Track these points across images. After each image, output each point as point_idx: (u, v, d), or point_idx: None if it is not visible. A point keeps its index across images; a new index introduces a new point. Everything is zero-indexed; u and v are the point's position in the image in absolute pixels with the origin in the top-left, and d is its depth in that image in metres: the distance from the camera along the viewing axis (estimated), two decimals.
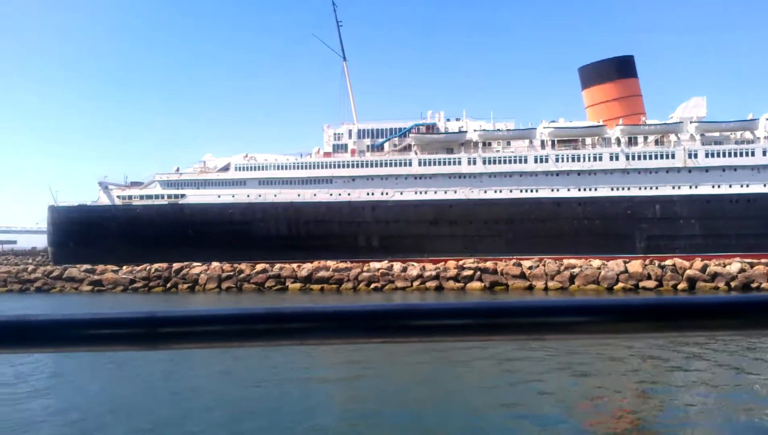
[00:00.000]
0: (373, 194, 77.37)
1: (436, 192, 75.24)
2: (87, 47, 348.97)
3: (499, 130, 77.11)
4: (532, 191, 72.55)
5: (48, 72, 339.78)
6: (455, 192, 74.59)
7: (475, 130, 76.76)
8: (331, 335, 1.05)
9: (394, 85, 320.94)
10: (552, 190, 71.96)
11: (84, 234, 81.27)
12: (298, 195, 79.85)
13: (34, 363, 20.81)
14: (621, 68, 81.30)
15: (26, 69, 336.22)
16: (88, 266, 56.04)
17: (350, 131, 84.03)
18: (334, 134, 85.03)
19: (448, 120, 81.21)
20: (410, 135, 79.46)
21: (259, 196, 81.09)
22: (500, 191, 73.18)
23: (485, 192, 73.62)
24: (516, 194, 72.58)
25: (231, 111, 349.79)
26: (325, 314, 1.04)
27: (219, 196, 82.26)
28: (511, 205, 71.57)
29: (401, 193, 76.35)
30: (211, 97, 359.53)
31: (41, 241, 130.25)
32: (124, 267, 56.11)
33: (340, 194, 78.63)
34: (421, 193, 75.85)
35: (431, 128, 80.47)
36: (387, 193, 76.83)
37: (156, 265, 54.65)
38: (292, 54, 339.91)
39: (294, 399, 16.76)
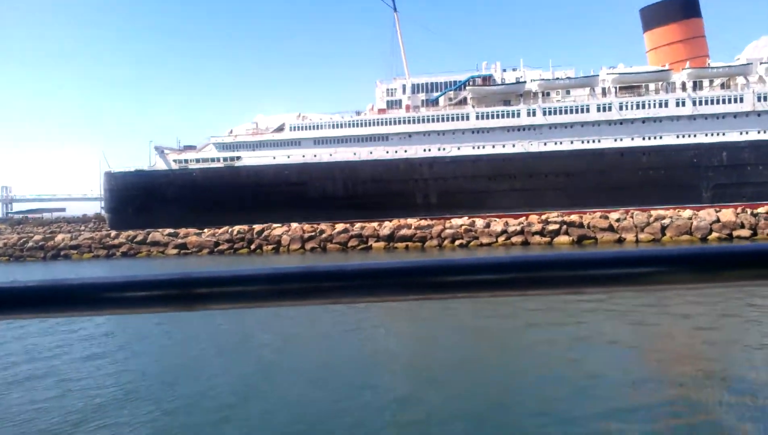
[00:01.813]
0: (429, 150, 78.55)
1: (494, 146, 76.13)
2: (138, 11, 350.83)
3: (558, 78, 77.15)
4: (594, 142, 72.96)
5: (97, 37, 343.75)
6: (514, 145, 75.39)
7: (533, 80, 76.91)
8: (365, 293, 1.09)
9: (447, 37, 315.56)
10: (615, 139, 72.28)
11: (141, 199, 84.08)
12: (354, 153, 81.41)
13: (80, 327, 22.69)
14: (685, 8, 79.89)
15: (76, 36, 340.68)
16: (171, 230, 59.13)
17: (404, 86, 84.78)
18: (387, 90, 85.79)
19: (505, 70, 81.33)
20: (466, 88, 79.95)
21: (314, 155, 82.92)
22: (561, 143, 73.75)
23: (545, 144, 74.27)
24: (577, 145, 73.07)
25: (280, 71, 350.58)
26: (360, 272, 1.08)
27: (274, 157, 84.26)
28: (572, 157, 72.16)
29: (458, 148, 77.39)
30: (259, 58, 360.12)
31: (90, 208, 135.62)
32: (206, 230, 59.00)
33: (396, 151, 79.97)
34: (478, 147, 76.80)
35: (487, 80, 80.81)
36: (444, 149, 77.96)
37: (237, 228, 57.42)
38: (342, 8, 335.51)
39: (345, 356, 17.67)
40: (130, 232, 60.36)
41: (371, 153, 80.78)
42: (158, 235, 57.63)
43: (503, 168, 74.48)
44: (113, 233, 60.18)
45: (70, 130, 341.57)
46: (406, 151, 79.36)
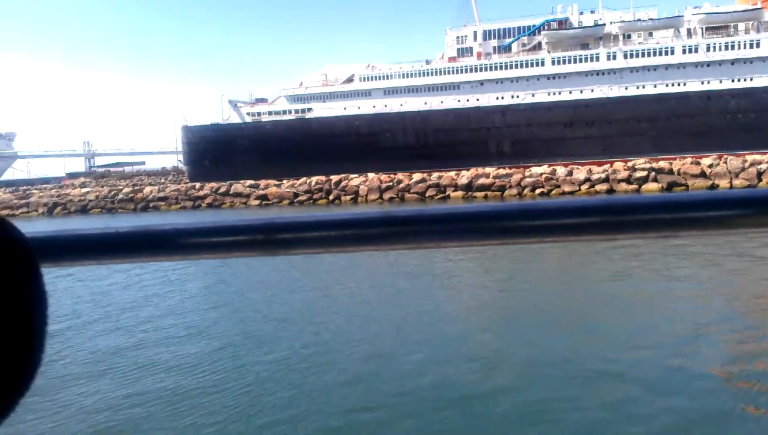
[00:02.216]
0: (502, 98, 76.99)
1: (571, 92, 73.81)
2: None
3: (640, 20, 73.52)
4: (678, 85, 69.64)
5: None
6: (592, 91, 72.88)
7: (613, 23, 73.54)
8: (446, 238, 1.08)
9: None
10: (702, 82, 68.75)
11: (217, 152, 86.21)
12: (425, 103, 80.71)
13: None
14: None
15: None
16: (252, 182, 60.78)
17: (475, 33, 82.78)
18: (458, 37, 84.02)
19: (582, 13, 78.14)
20: (541, 32, 77.30)
21: (385, 106, 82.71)
22: (643, 87, 70.74)
23: (626, 88, 71.43)
24: (661, 89, 69.91)
25: (349, 20, 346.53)
26: (440, 216, 1.07)
27: (345, 108, 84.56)
28: (655, 102, 69.19)
29: (533, 96, 75.50)
30: (327, 8, 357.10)
31: (167, 161, 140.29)
32: (284, 181, 60.32)
33: (468, 100, 78.78)
34: (554, 93, 74.67)
35: (563, 23, 77.86)
36: (517, 97, 76.22)
37: (315, 178, 58.44)
38: None
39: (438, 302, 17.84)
40: (214, 184, 62.34)
41: (442, 102, 79.92)
42: (240, 186, 59.32)
43: (580, 114, 72.30)
44: (197, 185, 62.30)
45: (147, 85, 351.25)
46: (477, 100, 78.08)
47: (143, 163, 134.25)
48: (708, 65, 68.58)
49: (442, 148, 75.72)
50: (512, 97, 76.40)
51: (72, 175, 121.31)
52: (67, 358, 13.61)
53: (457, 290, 19.60)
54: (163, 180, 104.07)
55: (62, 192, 67.32)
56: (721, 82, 67.94)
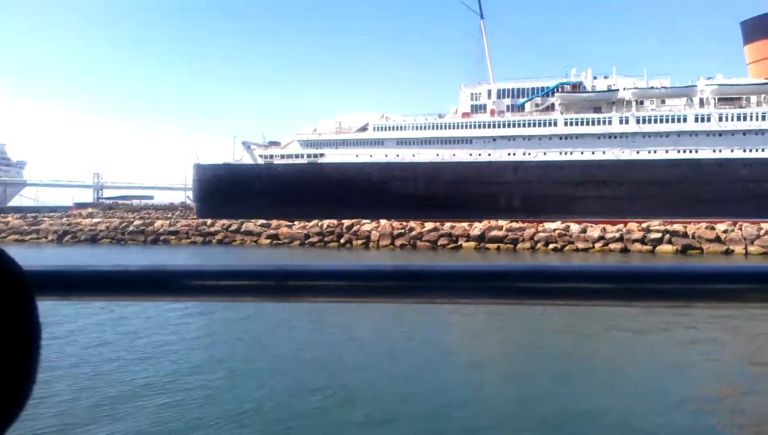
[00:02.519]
0: (514, 155, 77.76)
1: (582, 153, 74.56)
2: (224, 10, 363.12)
3: (653, 87, 74.93)
4: (690, 152, 70.36)
5: (185, 35, 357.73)
6: (604, 153, 73.61)
7: (627, 88, 74.98)
8: (459, 295, 1.07)
9: (533, 44, 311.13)
10: (713, 150, 69.49)
11: (228, 191, 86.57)
12: (437, 155, 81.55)
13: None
14: None
15: (167, 33, 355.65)
16: (263, 221, 60.75)
17: (489, 91, 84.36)
18: (472, 94, 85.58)
19: (596, 78, 79.65)
20: (555, 94, 78.72)
21: (397, 155, 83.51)
22: (655, 152, 71.48)
23: (638, 152, 72.16)
24: (673, 155, 70.62)
25: (364, 71, 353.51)
26: (454, 273, 1.06)
27: (357, 156, 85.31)
28: (667, 166, 69.80)
29: (545, 154, 76.27)
30: (343, 58, 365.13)
31: (175, 197, 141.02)
32: (296, 222, 60.31)
33: (480, 154, 79.58)
34: (566, 153, 75.43)
35: (577, 87, 79.38)
36: (529, 154, 76.98)
37: (327, 222, 58.41)
38: (424, 13, 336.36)
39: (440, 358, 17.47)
40: (225, 221, 62.35)
41: (454, 155, 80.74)
42: (251, 225, 59.31)
43: (592, 174, 72.84)
44: (209, 221, 62.31)
45: (158, 121, 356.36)
46: (489, 155, 78.88)
47: (152, 197, 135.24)
48: (720, 134, 69.49)
49: (452, 200, 75.97)
50: (524, 154, 77.20)
51: (80, 205, 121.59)
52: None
53: (465, 346, 19.21)
54: (170, 215, 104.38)
55: (73, 221, 67.28)
56: (732, 151, 68.72)
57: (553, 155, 75.87)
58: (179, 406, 12.67)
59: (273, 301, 1.14)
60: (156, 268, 1.15)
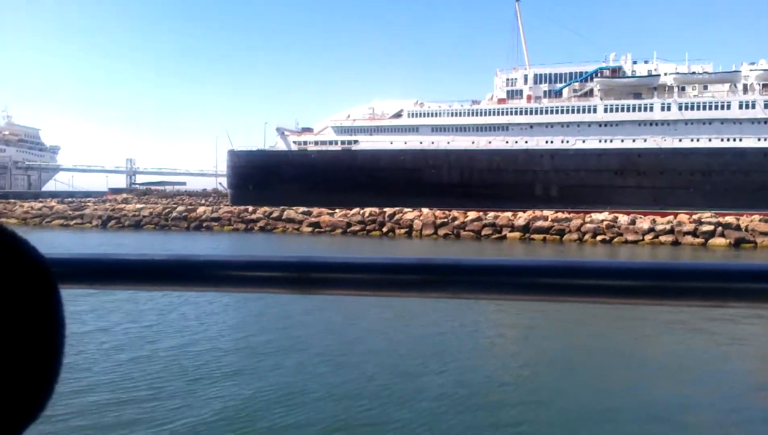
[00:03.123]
0: (552, 142, 77.25)
1: (623, 140, 73.83)
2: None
3: (695, 73, 73.75)
4: (734, 140, 69.29)
5: (213, 23, 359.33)
6: (645, 140, 72.82)
7: (668, 74, 73.87)
8: (483, 290, 1.06)
9: (570, 28, 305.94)
10: (758, 139, 68.34)
11: (262, 177, 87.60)
12: (472, 142, 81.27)
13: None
14: None
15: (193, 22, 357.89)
16: (305, 209, 61.39)
17: (525, 76, 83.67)
18: (508, 80, 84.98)
19: (636, 63, 78.62)
20: (594, 79, 77.82)
21: (432, 142, 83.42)
22: (697, 140, 70.51)
23: (680, 140, 71.22)
24: (716, 143, 69.59)
25: (397, 57, 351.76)
26: (479, 268, 1.06)
27: (391, 143, 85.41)
28: (710, 155, 68.85)
29: (583, 141, 75.64)
30: (376, 44, 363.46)
31: (207, 183, 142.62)
32: (337, 210, 60.90)
33: (516, 142, 79.18)
34: (605, 141, 74.73)
35: (617, 72, 78.40)
36: (567, 141, 76.39)
37: (369, 210, 58.86)
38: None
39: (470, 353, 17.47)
40: (266, 208, 63.13)
41: (489, 142, 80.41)
42: (293, 212, 59.98)
43: (632, 163, 72.20)
44: (250, 208, 63.13)
45: (188, 107, 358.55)
46: (526, 142, 78.44)
47: (184, 183, 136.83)
48: (765, 122, 68.28)
49: (488, 188, 75.92)
50: (562, 141, 76.65)
51: (115, 191, 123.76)
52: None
53: (491, 342, 19.18)
54: (203, 201, 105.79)
55: (116, 206, 68.81)
56: None
57: (592, 143, 75.22)
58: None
59: (296, 293, 1.15)
60: (180, 258, 1.16)
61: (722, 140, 69.60)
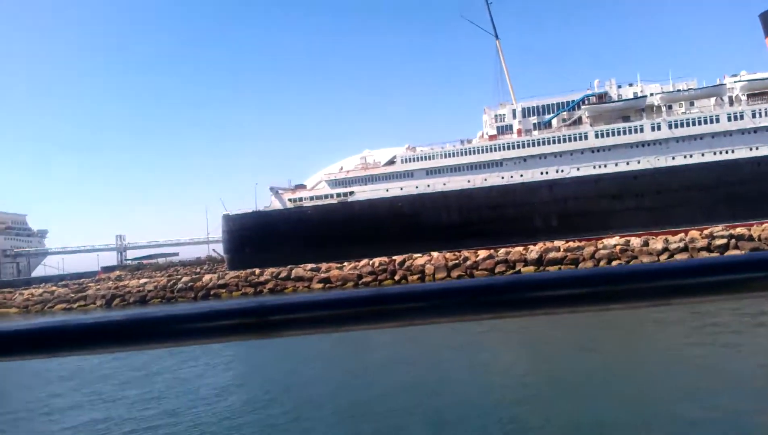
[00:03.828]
0: (547, 173, 78.48)
1: (617, 164, 75.21)
2: (240, 54, 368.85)
3: (681, 90, 75.90)
4: (726, 153, 70.84)
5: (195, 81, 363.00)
6: (638, 162, 74.23)
7: (654, 94, 76.06)
8: (438, 314, 1.10)
9: (550, 58, 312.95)
10: (750, 148, 70.01)
11: (258, 238, 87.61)
12: (468, 181, 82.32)
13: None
14: None
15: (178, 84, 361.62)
16: (313, 265, 61.44)
17: (513, 111, 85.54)
18: (496, 116, 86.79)
19: (620, 86, 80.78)
20: (582, 107, 79.77)
21: (428, 186, 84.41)
22: (690, 156, 72.08)
23: (673, 158, 72.75)
24: (708, 157, 71.10)
25: (382, 105, 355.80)
26: (430, 293, 1.10)
27: (387, 190, 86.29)
28: (704, 170, 70.27)
29: (578, 169, 77.00)
30: (360, 94, 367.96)
31: (199, 251, 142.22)
32: (345, 263, 61.03)
33: (512, 176, 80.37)
34: (599, 166, 76.09)
35: (603, 97, 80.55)
36: (562, 171, 77.67)
37: (378, 259, 59.14)
38: (437, 38, 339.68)
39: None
40: (273, 269, 63.19)
41: (485, 180, 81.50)
42: (301, 270, 60.13)
43: (629, 186, 73.38)
44: (257, 271, 63.09)
45: (173, 178, 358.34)
46: (522, 176, 79.62)
47: (177, 253, 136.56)
48: (755, 131, 70.14)
49: (488, 225, 76.43)
50: (557, 171, 77.90)
51: (107, 269, 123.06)
52: None
53: (462, 363, 19.34)
54: (198, 270, 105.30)
55: (119, 284, 68.50)
56: None
57: (586, 169, 76.53)
58: None
59: (256, 338, 1.16)
60: (135, 317, 1.17)
61: (714, 154, 71.20)
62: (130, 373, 22.41)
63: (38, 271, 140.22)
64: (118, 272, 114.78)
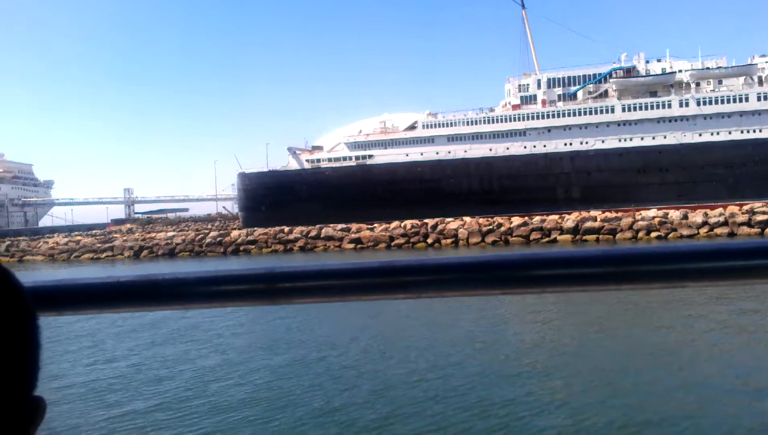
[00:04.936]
0: (571, 144, 78.86)
1: (642, 138, 75.64)
2: (253, 8, 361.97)
3: (710, 68, 76.05)
4: (753, 132, 71.44)
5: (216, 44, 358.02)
6: (664, 137, 74.71)
7: (684, 70, 76.17)
8: (448, 288, 1.10)
9: (577, 29, 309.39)
10: None
11: (275, 198, 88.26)
12: (490, 149, 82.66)
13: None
14: None
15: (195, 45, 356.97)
16: (344, 225, 62.06)
17: (538, 81, 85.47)
18: (520, 86, 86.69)
19: (648, 61, 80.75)
20: (609, 80, 79.80)
21: (449, 152, 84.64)
22: (717, 133, 72.60)
23: (700, 135, 73.27)
24: (735, 136, 71.71)
25: (401, 69, 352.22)
26: (441, 266, 1.10)
27: (407, 155, 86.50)
28: (732, 148, 71.03)
29: (602, 142, 77.38)
30: (383, 59, 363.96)
31: (209, 208, 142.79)
32: (376, 224, 61.67)
33: (534, 146, 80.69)
34: (624, 140, 76.52)
35: (631, 71, 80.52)
36: (586, 143, 78.05)
37: (409, 222, 59.71)
38: (464, 7, 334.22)
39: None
40: (303, 228, 63.79)
41: (507, 148, 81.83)
42: (330, 230, 60.64)
43: (653, 160, 74.02)
44: (286, 229, 63.63)
45: (183, 134, 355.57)
46: (545, 146, 79.99)
47: (187, 209, 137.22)
48: None
49: (509, 195, 77.06)
50: (581, 143, 78.29)
51: (117, 222, 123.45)
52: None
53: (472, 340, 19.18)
54: (210, 226, 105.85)
55: (147, 235, 68.94)
56: None
57: (611, 143, 76.95)
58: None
59: (264, 304, 1.19)
60: (147, 278, 1.20)
61: (742, 132, 71.75)
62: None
63: (45, 221, 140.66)
64: (129, 225, 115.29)
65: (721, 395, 12.59)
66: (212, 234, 64.15)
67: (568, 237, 51.49)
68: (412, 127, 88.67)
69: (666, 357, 16.07)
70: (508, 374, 14.71)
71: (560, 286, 1.09)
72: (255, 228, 67.77)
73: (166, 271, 1.26)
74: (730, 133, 72.20)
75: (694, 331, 18.86)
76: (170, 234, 67.65)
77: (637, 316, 21.43)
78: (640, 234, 50.11)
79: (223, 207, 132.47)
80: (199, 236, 63.29)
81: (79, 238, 72.02)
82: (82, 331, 23.06)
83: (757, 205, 52.08)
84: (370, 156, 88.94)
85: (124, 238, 68.37)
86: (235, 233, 64.05)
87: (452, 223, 57.61)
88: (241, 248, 59.96)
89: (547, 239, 51.95)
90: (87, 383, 16.00)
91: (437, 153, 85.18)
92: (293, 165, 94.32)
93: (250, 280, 1.17)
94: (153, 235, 68.85)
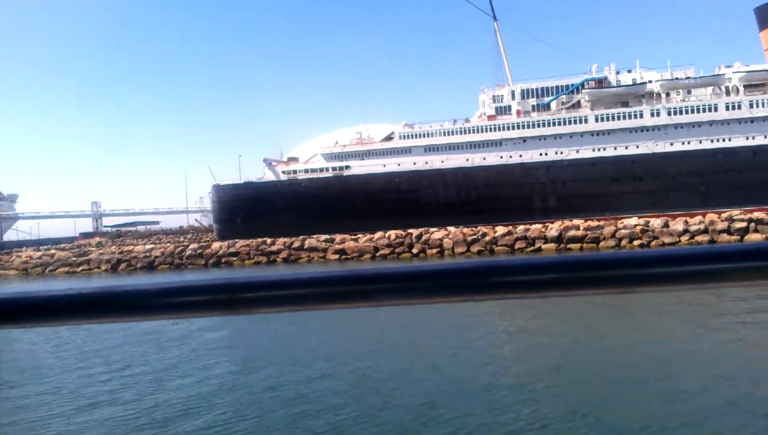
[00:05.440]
0: (546, 154, 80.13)
1: (615, 148, 77.25)
2: (222, 22, 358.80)
3: (679, 78, 78.18)
4: (723, 141, 73.51)
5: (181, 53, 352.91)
6: (637, 146, 76.41)
7: (654, 81, 78.12)
8: (409, 296, 1.12)
9: (547, 42, 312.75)
10: (747, 138, 72.81)
11: (250, 210, 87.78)
12: (467, 160, 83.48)
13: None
14: None
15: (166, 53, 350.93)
16: (328, 236, 61.83)
17: (512, 92, 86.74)
18: (494, 96, 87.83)
19: (619, 72, 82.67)
20: (582, 91, 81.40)
21: (426, 163, 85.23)
22: (688, 143, 74.54)
23: (671, 144, 75.14)
24: (706, 145, 73.72)
25: (379, 81, 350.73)
26: (402, 275, 1.11)
27: (384, 166, 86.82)
28: (703, 157, 72.91)
29: (577, 152, 78.78)
30: (357, 69, 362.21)
31: (180, 221, 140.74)
32: (360, 235, 61.57)
33: (510, 156, 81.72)
34: (598, 150, 78.04)
35: (602, 82, 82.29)
36: (561, 153, 79.38)
37: (394, 232, 59.78)
38: (435, 19, 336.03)
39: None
40: (286, 239, 63.37)
41: (484, 159, 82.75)
42: (314, 241, 60.42)
43: (626, 170, 75.59)
44: (269, 240, 63.14)
45: (151, 146, 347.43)
46: (521, 156, 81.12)
47: (158, 222, 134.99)
48: (752, 121, 72.88)
49: (486, 205, 77.85)
50: (556, 153, 79.57)
51: (86, 235, 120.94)
52: None
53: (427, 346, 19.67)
54: (182, 239, 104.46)
55: (125, 249, 67.71)
56: (766, 137, 72.03)
57: (585, 152, 78.41)
58: None
59: (226, 315, 1.19)
60: (109, 290, 1.18)
61: (712, 141, 73.81)
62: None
63: (9, 236, 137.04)
64: (97, 239, 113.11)
65: (708, 403, 12.73)
66: (192, 246, 63.39)
67: (552, 245, 52.25)
68: (389, 138, 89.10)
69: (639, 360, 16.61)
70: (475, 387, 14.53)
71: (518, 293, 1.10)
72: (237, 240, 67.22)
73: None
74: (700, 142, 74.18)
75: (674, 335, 19.30)
76: (149, 246, 66.65)
77: (612, 321, 21.91)
78: (623, 242, 51.11)
79: (195, 219, 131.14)
80: (179, 248, 62.46)
81: (53, 251, 70.49)
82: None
83: (735, 212, 53.53)
84: (347, 167, 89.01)
85: (101, 251, 67.06)
86: (216, 245, 63.42)
87: (437, 233, 57.97)
88: (223, 260, 59.39)
89: (531, 248, 52.64)
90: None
91: (414, 163, 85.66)
92: (269, 176, 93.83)
93: (211, 290, 1.16)
94: (131, 247, 67.68)
